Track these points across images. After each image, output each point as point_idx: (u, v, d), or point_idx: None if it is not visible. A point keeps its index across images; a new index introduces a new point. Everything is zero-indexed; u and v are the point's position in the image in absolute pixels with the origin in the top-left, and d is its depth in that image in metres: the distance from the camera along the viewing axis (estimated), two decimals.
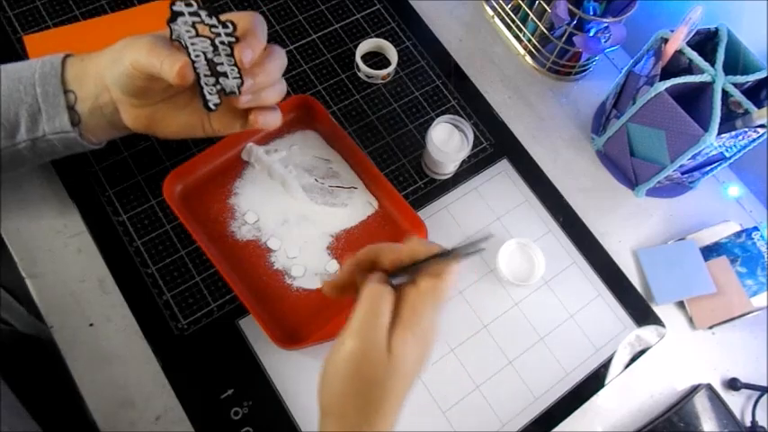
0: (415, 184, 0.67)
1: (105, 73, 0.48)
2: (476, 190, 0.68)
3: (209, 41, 0.43)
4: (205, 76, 0.45)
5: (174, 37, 0.44)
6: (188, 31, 0.42)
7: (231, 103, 0.48)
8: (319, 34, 0.74)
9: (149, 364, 0.56)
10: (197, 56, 0.43)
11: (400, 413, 0.42)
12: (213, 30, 0.42)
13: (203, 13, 0.41)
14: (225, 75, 0.45)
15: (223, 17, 0.42)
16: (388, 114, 0.70)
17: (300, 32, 0.73)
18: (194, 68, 0.44)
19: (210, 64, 0.44)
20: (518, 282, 0.63)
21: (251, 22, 0.45)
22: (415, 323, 0.40)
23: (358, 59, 0.70)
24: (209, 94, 0.46)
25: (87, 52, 0.51)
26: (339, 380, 0.40)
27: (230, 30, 0.42)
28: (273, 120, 0.50)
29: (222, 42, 0.43)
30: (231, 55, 0.43)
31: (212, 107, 0.47)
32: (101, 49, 0.50)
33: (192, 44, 0.43)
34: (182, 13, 0.41)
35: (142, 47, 0.44)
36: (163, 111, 0.51)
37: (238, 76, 0.45)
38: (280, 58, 0.48)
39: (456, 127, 0.64)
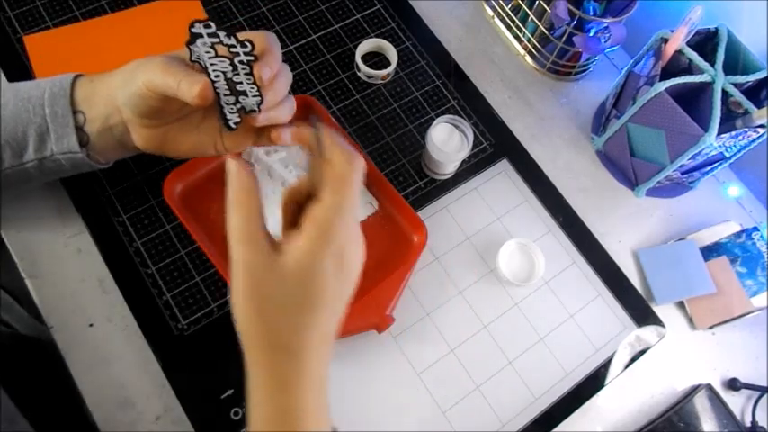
0: (415, 185, 0.67)
1: (117, 94, 0.48)
2: (476, 190, 0.68)
3: (228, 61, 0.43)
4: (225, 95, 0.45)
5: (193, 58, 0.44)
6: (207, 52, 0.42)
7: (248, 121, 0.48)
8: (319, 34, 0.74)
9: (149, 364, 0.56)
10: (216, 76, 0.44)
11: (328, 345, 0.40)
12: (232, 50, 0.42)
13: (222, 34, 0.41)
14: (245, 93, 0.45)
15: (240, 36, 0.42)
16: (387, 114, 0.71)
17: (300, 32, 0.73)
18: (214, 89, 0.44)
19: (230, 83, 0.44)
20: (518, 282, 0.63)
21: (267, 41, 0.45)
22: (324, 239, 0.38)
23: (358, 59, 0.70)
24: (230, 113, 0.47)
25: (97, 73, 0.51)
26: (242, 298, 0.38)
27: (249, 49, 0.42)
28: (291, 136, 0.51)
29: (241, 62, 0.43)
30: (250, 74, 0.44)
31: (233, 126, 0.47)
32: (111, 71, 0.50)
33: (212, 65, 0.43)
34: (201, 35, 0.41)
35: (156, 67, 0.44)
36: (174, 131, 0.51)
37: (258, 94, 0.45)
38: (285, 76, 0.48)
39: (456, 127, 0.64)
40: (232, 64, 0.43)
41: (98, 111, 0.49)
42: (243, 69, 0.43)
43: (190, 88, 0.43)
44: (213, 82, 0.44)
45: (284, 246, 0.38)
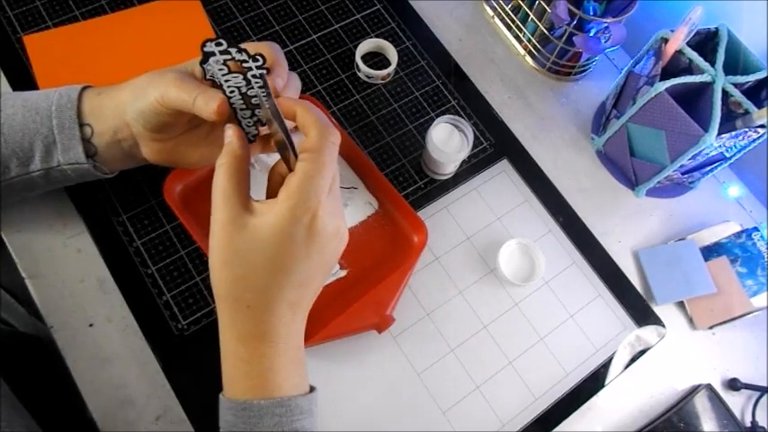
0: (415, 185, 0.67)
1: (126, 108, 0.48)
2: (476, 190, 0.68)
3: (241, 76, 0.43)
4: (241, 110, 0.46)
5: (207, 77, 0.45)
6: (221, 70, 0.43)
7: (261, 131, 0.49)
8: (319, 34, 0.74)
9: (149, 364, 0.56)
10: (231, 92, 0.44)
11: (296, 315, 0.43)
12: (244, 65, 0.43)
13: (233, 50, 0.42)
14: (259, 106, 0.45)
15: (250, 50, 0.43)
16: (388, 114, 0.71)
17: (300, 32, 0.73)
18: (230, 104, 0.45)
19: (245, 98, 0.45)
20: (518, 282, 0.63)
21: (274, 53, 0.46)
22: (294, 206, 0.40)
23: (358, 59, 0.70)
24: (247, 126, 0.47)
25: (105, 86, 0.51)
26: (214, 254, 0.41)
27: (260, 62, 0.43)
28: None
29: (254, 75, 0.44)
30: (264, 86, 0.44)
31: (251, 139, 0.48)
32: (119, 83, 0.50)
33: (227, 81, 0.44)
34: (213, 53, 0.42)
35: (170, 83, 0.45)
36: (184, 144, 0.51)
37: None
38: (294, 85, 0.49)
39: (456, 127, 0.64)
40: (245, 78, 0.43)
41: (106, 124, 0.49)
42: (256, 83, 0.44)
43: (207, 104, 0.43)
44: (229, 98, 0.44)
45: (259, 209, 0.41)
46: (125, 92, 0.49)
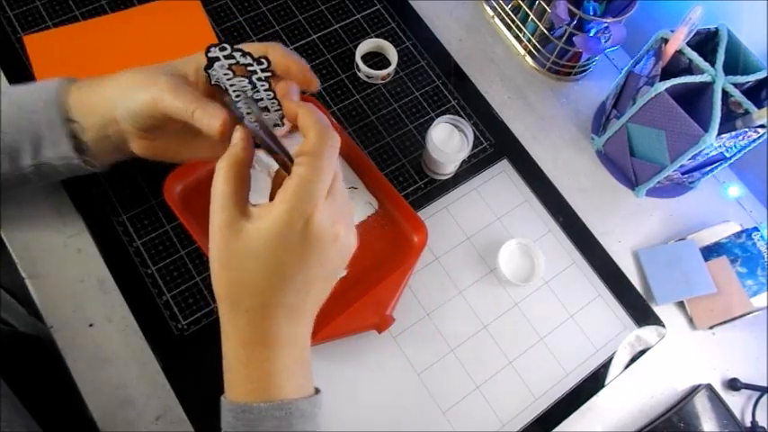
0: (415, 185, 0.67)
1: (114, 105, 0.48)
2: (476, 190, 0.68)
3: (246, 80, 0.43)
4: (247, 114, 0.45)
5: (212, 82, 0.44)
6: (226, 74, 0.43)
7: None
8: (319, 34, 0.74)
9: (149, 364, 0.56)
10: (237, 96, 0.44)
11: (297, 318, 0.42)
12: (249, 68, 0.43)
13: (237, 54, 0.42)
14: (267, 109, 0.46)
15: (254, 52, 0.42)
16: (388, 114, 0.71)
17: (300, 32, 0.73)
18: (236, 108, 0.45)
19: (251, 101, 0.45)
20: (518, 282, 0.63)
21: (285, 54, 0.46)
22: (289, 210, 0.39)
23: (358, 59, 0.70)
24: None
25: (88, 79, 0.50)
26: (213, 258, 0.41)
27: (265, 65, 0.43)
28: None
29: (259, 78, 0.43)
30: (269, 89, 0.44)
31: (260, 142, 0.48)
32: (101, 76, 0.49)
33: (232, 86, 0.44)
34: (217, 58, 0.42)
35: (164, 89, 0.44)
36: (175, 141, 0.51)
37: (279, 108, 0.45)
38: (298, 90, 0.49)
39: (456, 127, 0.64)
40: (251, 82, 0.43)
41: (93, 120, 0.49)
42: (262, 86, 0.44)
43: (209, 122, 0.43)
44: (235, 101, 0.44)
45: (256, 213, 0.40)
46: (109, 88, 0.48)
